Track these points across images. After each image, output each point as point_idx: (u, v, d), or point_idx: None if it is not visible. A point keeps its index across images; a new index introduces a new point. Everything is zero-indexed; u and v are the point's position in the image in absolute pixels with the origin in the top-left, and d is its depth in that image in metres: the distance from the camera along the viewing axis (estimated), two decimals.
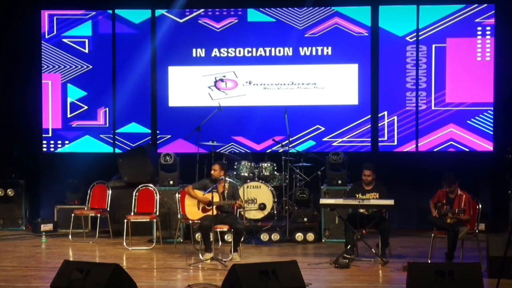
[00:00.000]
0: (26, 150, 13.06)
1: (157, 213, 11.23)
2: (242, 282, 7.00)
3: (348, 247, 9.77)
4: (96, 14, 12.95)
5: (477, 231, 9.58)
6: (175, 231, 11.23)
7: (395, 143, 12.67)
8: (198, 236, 10.57)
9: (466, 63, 12.49)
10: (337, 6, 12.65)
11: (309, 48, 12.70)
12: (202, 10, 12.84)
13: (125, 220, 11.02)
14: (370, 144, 12.70)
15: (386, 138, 12.67)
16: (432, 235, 9.53)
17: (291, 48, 12.72)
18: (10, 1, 12.78)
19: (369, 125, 12.67)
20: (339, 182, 11.46)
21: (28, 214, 12.66)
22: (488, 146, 12.44)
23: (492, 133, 12.44)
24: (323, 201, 10.28)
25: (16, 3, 12.81)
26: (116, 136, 13.02)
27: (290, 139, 11.76)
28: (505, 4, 12.35)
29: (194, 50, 12.85)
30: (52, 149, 13.05)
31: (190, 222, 10.51)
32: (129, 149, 12.76)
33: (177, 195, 11.07)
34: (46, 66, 12.98)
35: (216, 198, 9.84)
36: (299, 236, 11.24)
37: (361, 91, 12.64)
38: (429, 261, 9.30)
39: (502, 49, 12.37)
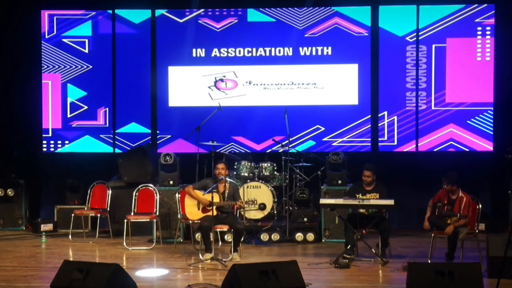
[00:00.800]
0: (26, 150, 13.07)
1: (157, 213, 11.23)
2: (242, 282, 7.00)
3: (348, 247, 9.77)
4: (96, 14, 12.95)
5: (477, 231, 9.58)
6: (175, 231, 11.23)
7: (395, 143, 12.67)
8: (198, 236, 10.57)
9: (466, 63, 12.49)
10: (337, 6, 12.66)
11: (309, 48, 12.70)
12: (202, 10, 12.85)
13: (125, 220, 11.02)
14: (370, 144, 12.70)
15: (386, 138, 12.67)
16: (432, 235, 9.52)
17: (291, 48, 12.73)
18: (10, 1, 12.79)
19: (369, 125, 12.67)
20: (339, 182, 11.46)
21: (28, 214, 12.66)
22: (488, 146, 12.45)
23: (492, 133, 12.45)
24: (323, 201, 10.28)
25: (16, 3, 12.82)
26: (116, 136, 13.02)
27: (290, 139, 11.76)
28: (505, 4, 12.35)
29: (194, 50, 12.85)
30: (52, 149, 13.06)
31: (190, 222, 10.51)
32: (129, 149, 12.76)
33: (177, 195, 11.07)
34: (46, 66, 12.99)
35: (216, 199, 9.84)
36: (299, 236, 11.24)
37: (361, 91, 12.65)
38: (429, 261, 9.30)
39: (502, 49, 12.37)
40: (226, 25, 12.83)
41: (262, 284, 7.04)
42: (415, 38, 12.54)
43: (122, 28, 12.94)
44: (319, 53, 12.70)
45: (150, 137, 12.97)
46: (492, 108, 12.44)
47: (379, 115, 12.66)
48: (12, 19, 12.81)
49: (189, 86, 12.89)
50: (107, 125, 13.01)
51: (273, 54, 12.77)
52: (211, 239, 9.81)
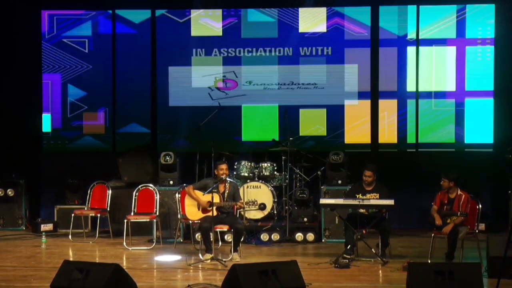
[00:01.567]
0: (26, 150, 13.05)
1: (157, 213, 11.22)
2: (242, 282, 7.00)
3: (348, 247, 9.76)
4: (96, 14, 12.94)
5: (477, 231, 9.58)
6: (175, 231, 11.23)
7: (395, 143, 12.66)
8: (198, 236, 10.57)
9: (466, 63, 12.48)
10: (337, 6, 12.65)
11: (309, 48, 12.70)
12: (202, 10, 12.84)
13: (125, 220, 11.02)
14: (370, 144, 12.69)
15: (386, 138, 12.66)
16: (432, 235, 9.52)
17: (291, 48, 12.72)
18: (10, 1, 12.78)
19: (369, 125, 12.66)
20: (339, 182, 11.46)
21: (28, 214, 12.65)
22: (488, 146, 12.44)
23: (492, 133, 12.44)
24: (323, 201, 10.28)
25: (16, 3, 12.81)
26: (116, 136, 13.01)
27: (290, 139, 11.76)
28: (505, 4, 12.35)
29: (194, 50, 12.85)
30: (52, 149, 13.05)
31: (190, 222, 10.51)
32: (129, 149, 12.75)
33: (177, 195, 11.07)
34: (46, 66, 12.98)
35: (216, 199, 9.83)
36: (299, 236, 11.23)
37: (361, 91, 12.64)
38: (429, 261, 9.29)
39: (502, 49, 12.36)
40: (226, 25, 12.83)
41: (262, 284, 7.04)
42: (415, 38, 12.53)
43: (122, 28, 12.94)
44: (319, 53, 12.69)
45: (150, 137, 12.96)
46: (492, 108, 12.44)
47: (379, 115, 12.66)
48: (12, 19, 12.81)
49: (189, 86, 12.88)
50: (107, 125, 13.01)
51: (273, 54, 12.76)
52: (211, 239, 9.81)
